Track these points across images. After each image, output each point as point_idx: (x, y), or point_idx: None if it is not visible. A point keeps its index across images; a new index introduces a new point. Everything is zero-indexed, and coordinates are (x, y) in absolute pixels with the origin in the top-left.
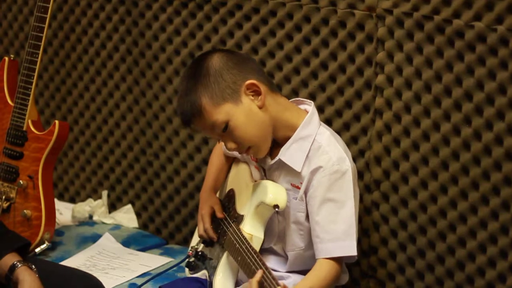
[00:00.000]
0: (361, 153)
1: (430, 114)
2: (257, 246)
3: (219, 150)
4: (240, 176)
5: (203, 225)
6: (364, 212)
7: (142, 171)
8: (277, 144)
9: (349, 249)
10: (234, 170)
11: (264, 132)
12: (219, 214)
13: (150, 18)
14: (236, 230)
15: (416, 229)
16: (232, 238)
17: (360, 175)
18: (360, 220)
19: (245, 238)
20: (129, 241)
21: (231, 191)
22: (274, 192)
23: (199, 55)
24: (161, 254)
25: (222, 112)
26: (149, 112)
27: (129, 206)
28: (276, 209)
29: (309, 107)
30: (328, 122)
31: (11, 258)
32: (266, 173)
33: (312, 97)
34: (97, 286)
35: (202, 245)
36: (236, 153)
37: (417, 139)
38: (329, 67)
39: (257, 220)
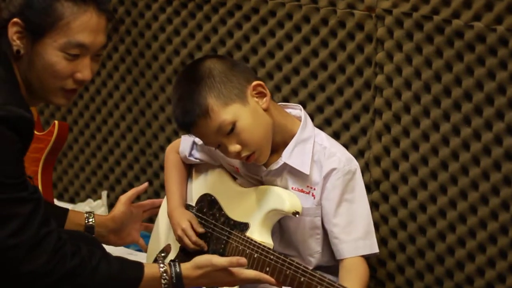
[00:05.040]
0: (361, 153)
1: (430, 114)
2: None
3: (173, 162)
4: (220, 181)
5: (188, 239)
6: None
7: (142, 171)
8: (271, 151)
9: (371, 247)
10: (203, 174)
11: (269, 135)
12: (200, 230)
13: (150, 18)
14: (245, 238)
15: (415, 229)
16: (242, 247)
17: None
18: None
19: (264, 247)
20: None
21: (208, 196)
22: (289, 198)
23: (193, 61)
24: None
25: (230, 113)
26: (149, 113)
27: None
28: (296, 215)
29: (295, 111)
30: (327, 122)
31: None
32: (262, 182)
33: (311, 97)
34: (95, 244)
35: (171, 254)
36: (204, 159)
37: (416, 139)
38: (329, 67)
39: (265, 228)
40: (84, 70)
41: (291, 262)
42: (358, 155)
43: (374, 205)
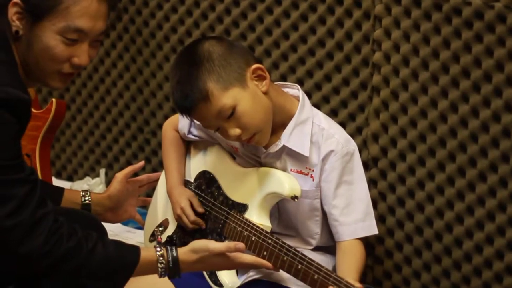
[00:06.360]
0: (359, 130)
1: (428, 92)
2: None
3: (171, 139)
4: (218, 159)
5: (187, 219)
6: None
7: (140, 149)
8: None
9: (370, 228)
10: (201, 150)
11: (269, 117)
12: (200, 209)
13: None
14: (243, 220)
15: (414, 206)
16: (240, 228)
17: None
18: None
19: (262, 230)
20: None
21: (207, 174)
22: (289, 182)
23: (190, 42)
24: None
25: (230, 97)
26: (147, 90)
27: None
28: (295, 200)
29: (293, 90)
30: (325, 99)
31: None
32: (261, 163)
33: (309, 74)
34: (97, 225)
35: (169, 228)
36: (203, 136)
37: (414, 116)
38: (326, 45)
39: (263, 210)
40: (82, 55)
41: (289, 248)
42: (356, 132)
43: (372, 183)
